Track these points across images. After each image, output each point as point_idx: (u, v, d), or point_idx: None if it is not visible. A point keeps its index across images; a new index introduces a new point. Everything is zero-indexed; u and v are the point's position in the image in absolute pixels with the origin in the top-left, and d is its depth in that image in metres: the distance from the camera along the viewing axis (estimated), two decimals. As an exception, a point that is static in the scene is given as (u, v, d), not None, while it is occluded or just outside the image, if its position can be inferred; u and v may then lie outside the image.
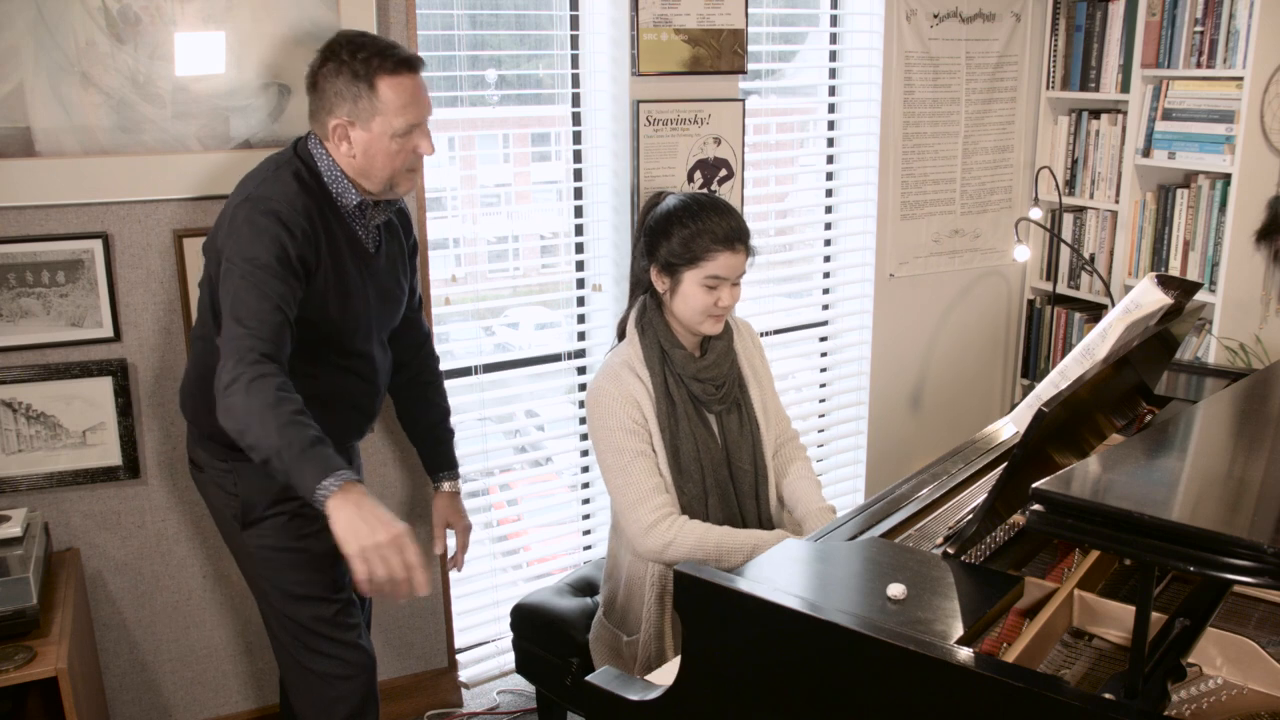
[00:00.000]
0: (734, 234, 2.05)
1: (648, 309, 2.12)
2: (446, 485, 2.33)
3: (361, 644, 2.12)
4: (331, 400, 1.98)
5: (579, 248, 2.92)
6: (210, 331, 1.94)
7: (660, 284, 2.09)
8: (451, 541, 2.37)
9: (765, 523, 2.18)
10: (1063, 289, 3.62)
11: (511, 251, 3.13)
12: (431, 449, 2.33)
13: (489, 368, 2.82)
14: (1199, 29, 3.07)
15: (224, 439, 1.95)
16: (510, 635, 2.37)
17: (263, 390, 1.68)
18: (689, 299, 2.06)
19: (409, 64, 1.89)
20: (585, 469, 3.08)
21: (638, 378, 2.07)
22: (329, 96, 1.88)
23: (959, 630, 1.34)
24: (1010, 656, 1.31)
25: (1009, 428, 2.09)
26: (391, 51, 1.88)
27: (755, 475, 2.16)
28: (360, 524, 1.62)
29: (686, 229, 2.04)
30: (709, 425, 2.13)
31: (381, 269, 2.04)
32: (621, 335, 2.18)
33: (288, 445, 1.65)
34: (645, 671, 2.01)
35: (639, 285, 2.16)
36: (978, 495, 1.80)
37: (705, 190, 2.94)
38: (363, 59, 1.85)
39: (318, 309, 1.89)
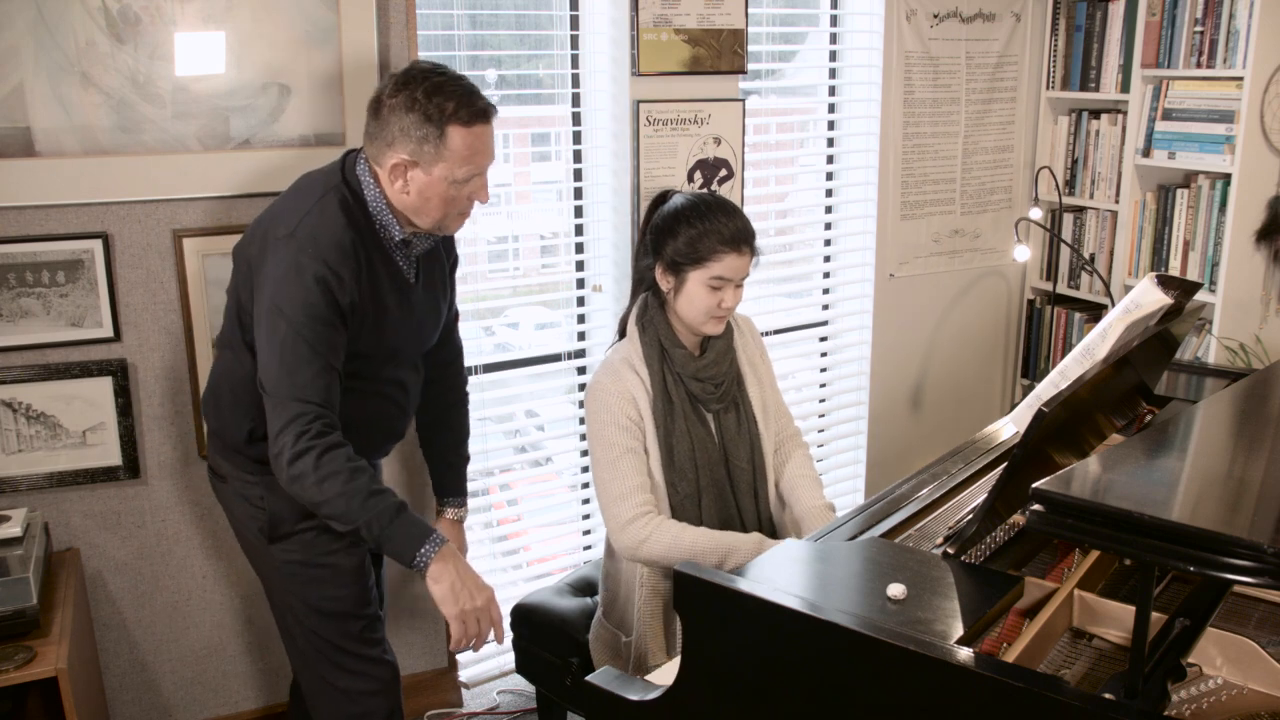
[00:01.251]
0: (740, 236, 2.05)
1: (649, 307, 2.12)
2: (450, 513, 2.29)
3: (388, 658, 2.09)
4: (361, 424, 1.94)
5: (579, 248, 2.92)
6: (237, 341, 1.92)
7: (665, 283, 2.09)
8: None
9: (764, 521, 2.18)
10: (1063, 289, 3.62)
11: (511, 251, 3.13)
12: (443, 472, 2.30)
13: (489, 368, 2.82)
14: (1199, 29, 3.07)
15: (252, 452, 1.96)
16: (510, 635, 2.36)
17: (335, 463, 1.74)
18: (693, 299, 2.06)
19: (484, 115, 1.83)
20: (585, 469, 3.08)
21: (636, 375, 2.07)
22: (393, 130, 1.81)
23: (959, 630, 1.34)
24: (1010, 656, 1.31)
25: (1009, 428, 2.09)
26: (469, 100, 1.81)
27: (753, 474, 2.16)
28: (461, 589, 1.80)
29: (693, 229, 2.04)
30: (706, 424, 2.13)
31: (420, 299, 1.99)
32: (622, 333, 2.19)
33: (376, 518, 1.74)
34: (638, 671, 2.01)
35: (642, 283, 2.16)
36: (978, 495, 1.80)
37: (708, 190, 2.94)
38: (438, 104, 1.78)
39: (353, 342, 1.85)
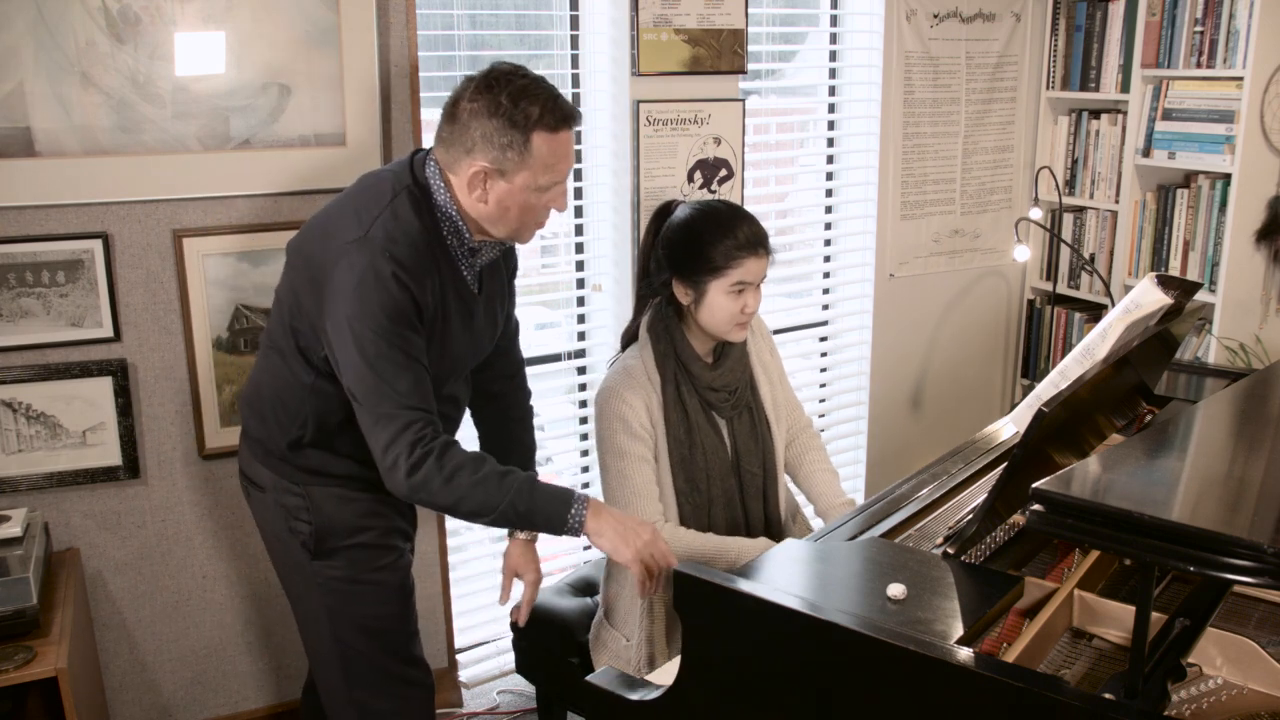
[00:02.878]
0: (757, 239, 2.03)
1: (663, 315, 2.10)
2: (523, 533, 2.11)
3: (427, 680, 2.02)
4: None
5: (579, 248, 2.92)
6: (287, 346, 1.83)
7: (684, 296, 2.06)
8: (517, 592, 2.15)
9: (772, 524, 2.18)
10: (1063, 289, 3.62)
11: (511, 251, 3.13)
12: None
13: (489, 368, 2.82)
14: (1199, 29, 3.07)
15: (298, 461, 1.87)
16: (510, 635, 2.36)
17: (456, 459, 1.70)
18: (716, 309, 2.04)
19: (570, 120, 1.75)
20: (585, 469, 3.08)
21: (650, 384, 2.06)
22: (474, 136, 1.71)
23: (959, 630, 1.34)
24: (1010, 656, 1.31)
25: (1009, 428, 2.09)
26: (554, 105, 1.72)
27: (764, 477, 2.16)
28: (627, 531, 1.76)
29: (708, 237, 2.01)
30: (719, 431, 2.12)
31: (481, 310, 1.90)
32: (626, 345, 2.17)
33: (517, 496, 1.72)
34: (638, 672, 2.01)
35: (654, 297, 2.13)
36: (978, 495, 1.80)
37: (709, 191, 2.94)
38: (524, 109, 1.69)
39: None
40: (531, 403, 2.23)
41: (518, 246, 1.99)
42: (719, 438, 2.11)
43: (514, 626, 2.34)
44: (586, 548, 3.13)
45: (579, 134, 2.85)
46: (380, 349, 1.68)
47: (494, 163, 1.72)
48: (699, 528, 2.07)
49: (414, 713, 2.00)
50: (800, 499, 2.35)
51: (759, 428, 2.16)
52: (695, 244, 2.02)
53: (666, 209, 2.14)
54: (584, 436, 3.05)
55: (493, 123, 1.70)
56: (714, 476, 2.09)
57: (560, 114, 1.73)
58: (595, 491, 3.09)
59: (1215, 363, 3.06)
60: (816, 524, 2.32)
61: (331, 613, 1.92)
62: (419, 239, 1.73)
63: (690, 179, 2.91)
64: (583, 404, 3.04)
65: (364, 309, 1.67)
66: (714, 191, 2.95)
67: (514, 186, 1.74)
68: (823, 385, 3.50)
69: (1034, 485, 1.19)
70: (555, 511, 1.74)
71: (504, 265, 1.99)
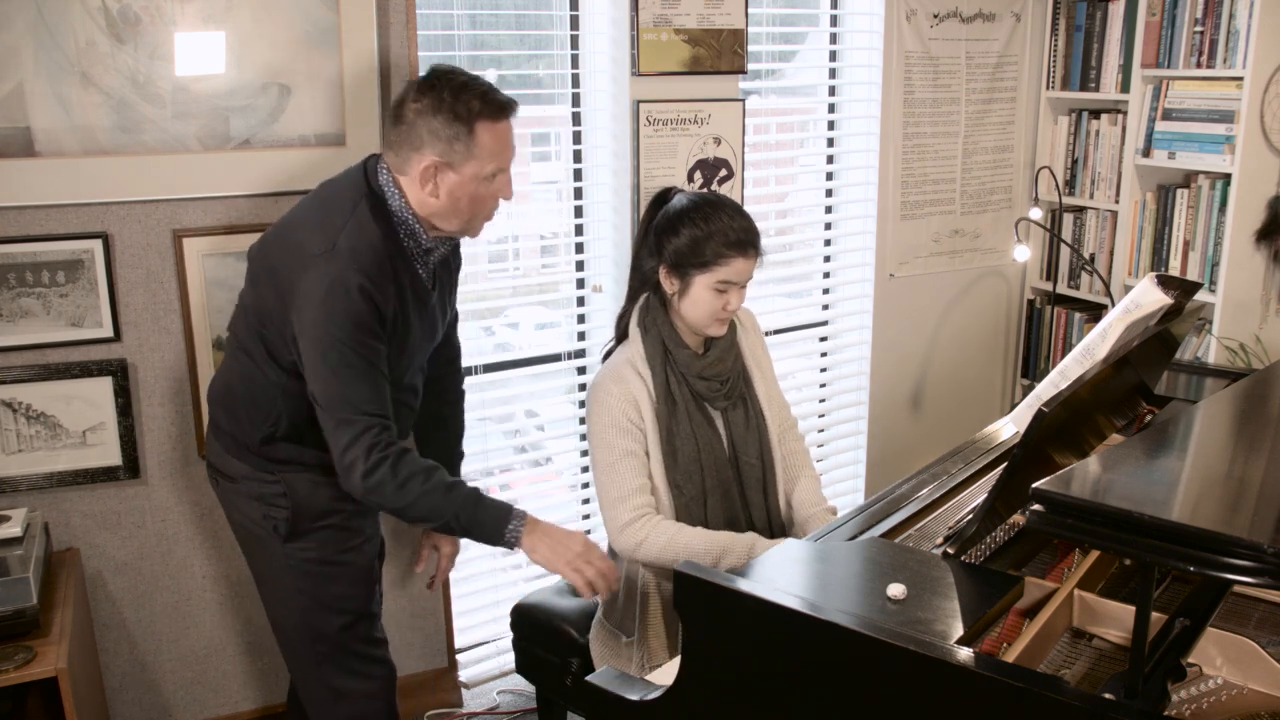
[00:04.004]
0: (747, 239, 2.04)
1: (651, 307, 2.11)
2: None
3: (388, 659, 2.12)
4: None
5: (579, 248, 2.92)
6: (256, 350, 1.91)
7: (669, 285, 2.08)
8: (433, 563, 2.38)
9: (773, 517, 2.18)
10: (1063, 289, 3.62)
11: (511, 251, 3.12)
12: None
13: (489, 368, 2.82)
14: (1199, 29, 3.07)
15: (271, 453, 1.96)
16: (510, 635, 2.36)
17: (410, 467, 1.81)
18: (698, 302, 2.05)
19: (508, 109, 1.86)
20: (585, 469, 3.08)
21: (639, 376, 2.07)
22: (420, 134, 1.81)
23: (959, 630, 1.34)
24: (1010, 656, 1.31)
25: (1009, 428, 2.09)
26: (493, 95, 1.84)
27: (763, 470, 2.16)
28: (558, 545, 1.91)
29: (699, 231, 2.02)
30: (713, 423, 2.12)
31: (434, 305, 2.01)
32: (621, 335, 2.18)
33: (462, 508, 1.85)
34: (639, 671, 2.01)
35: (645, 284, 2.15)
36: (978, 495, 1.80)
37: (711, 189, 2.93)
38: (465, 100, 1.80)
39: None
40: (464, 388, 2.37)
41: (467, 253, 2.12)
42: (713, 430, 2.11)
43: (514, 626, 2.34)
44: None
45: (578, 134, 2.85)
46: (344, 357, 1.77)
47: (442, 155, 1.82)
48: (694, 520, 2.07)
49: (381, 692, 2.10)
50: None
51: (754, 420, 2.16)
52: (684, 234, 2.04)
53: (664, 196, 2.14)
54: (583, 436, 3.05)
55: (438, 119, 1.80)
56: (708, 468, 2.09)
57: (498, 103, 1.84)
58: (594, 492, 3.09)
59: (1215, 363, 3.06)
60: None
61: (304, 595, 2.01)
62: (380, 247, 1.83)
63: (690, 179, 2.91)
64: (582, 404, 3.03)
65: (330, 319, 1.76)
66: (716, 190, 2.95)
67: (463, 178, 1.84)
68: (823, 385, 3.50)
69: (1034, 485, 1.19)
70: (495, 528, 1.88)
71: (452, 260, 2.10)
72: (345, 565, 2.02)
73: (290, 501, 1.97)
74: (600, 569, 1.93)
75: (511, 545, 1.89)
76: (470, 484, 1.91)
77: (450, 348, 2.26)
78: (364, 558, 2.05)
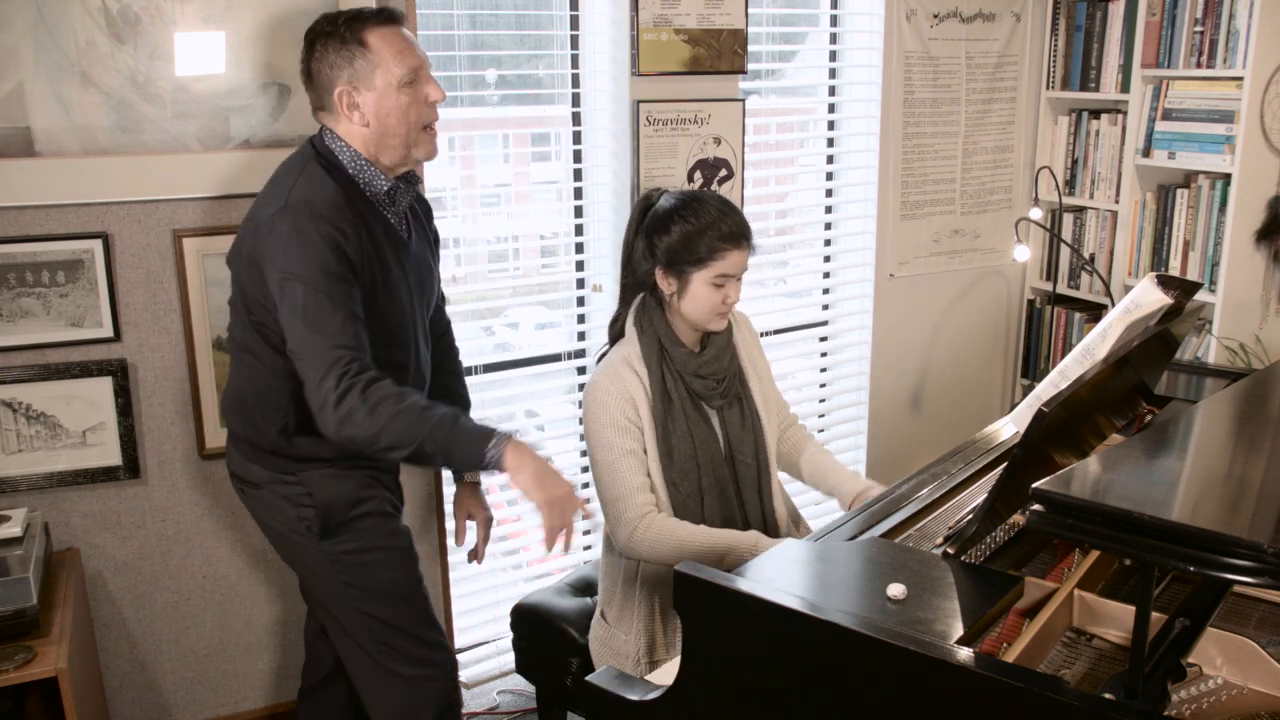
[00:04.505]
0: (740, 231, 2.05)
1: (648, 307, 2.12)
2: (469, 475, 2.28)
3: (445, 642, 2.11)
4: None
5: (579, 248, 2.92)
6: (254, 342, 1.92)
7: (667, 285, 2.08)
8: (472, 534, 2.31)
9: (768, 516, 2.18)
10: (1063, 289, 3.62)
11: (511, 251, 3.12)
12: None
13: (489, 368, 2.82)
14: (1199, 29, 3.07)
15: (289, 450, 1.95)
16: (510, 635, 2.37)
17: (380, 391, 1.74)
18: (697, 299, 2.05)
19: (390, 16, 1.89)
20: (585, 469, 3.08)
21: (635, 374, 2.07)
22: (325, 73, 1.86)
23: (959, 630, 1.34)
24: (1010, 656, 1.31)
25: (1009, 428, 2.09)
26: (368, 9, 1.88)
27: (758, 469, 2.16)
28: (545, 476, 1.79)
29: (690, 227, 2.03)
30: (709, 422, 2.13)
31: (415, 255, 2.01)
32: (614, 337, 2.18)
33: (436, 428, 1.75)
34: (638, 671, 2.01)
35: (639, 286, 2.15)
36: (978, 495, 1.80)
37: (704, 188, 2.93)
38: (344, 22, 1.85)
39: (367, 307, 1.86)
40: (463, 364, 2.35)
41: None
42: (709, 428, 2.12)
43: (514, 626, 2.34)
44: (586, 548, 3.13)
45: (578, 134, 2.85)
46: (311, 300, 1.76)
47: (350, 80, 1.85)
48: (690, 518, 2.07)
49: (439, 677, 2.08)
50: (801, 498, 2.36)
51: (750, 420, 2.16)
52: (677, 233, 2.04)
53: (649, 198, 2.15)
54: (583, 437, 3.04)
55: (329, 52, 1.86)
56: (704, 466, 2.09)
57: (376, 11, 1.89)
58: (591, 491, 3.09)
59: (1215, 363, 3.06)
60: (820, 519, 2.33)
61: (354, 587, 1.99)
62: (335, 195, 1.84)
63: (690, 179, 2.91)
64: (582, 404, 3.03)
65: (295, 265, 1.77)
66: (704, 187, 2.95)
67: (378, 91, 1.86)
68: (823, 385, 3.50)
69: (1034, 485, 1.19)
70: (473, 446, 1.77)
71: (419, 208, 2.09)
72: (388, 550, 2.01)
73: (315, 500, 1.95)
74: (571, 526, 1.83)
75: (494, 466, 1.77)
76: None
77: (440, 321, 2.26)
78: (402, 541, 2.05)
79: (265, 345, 1.91)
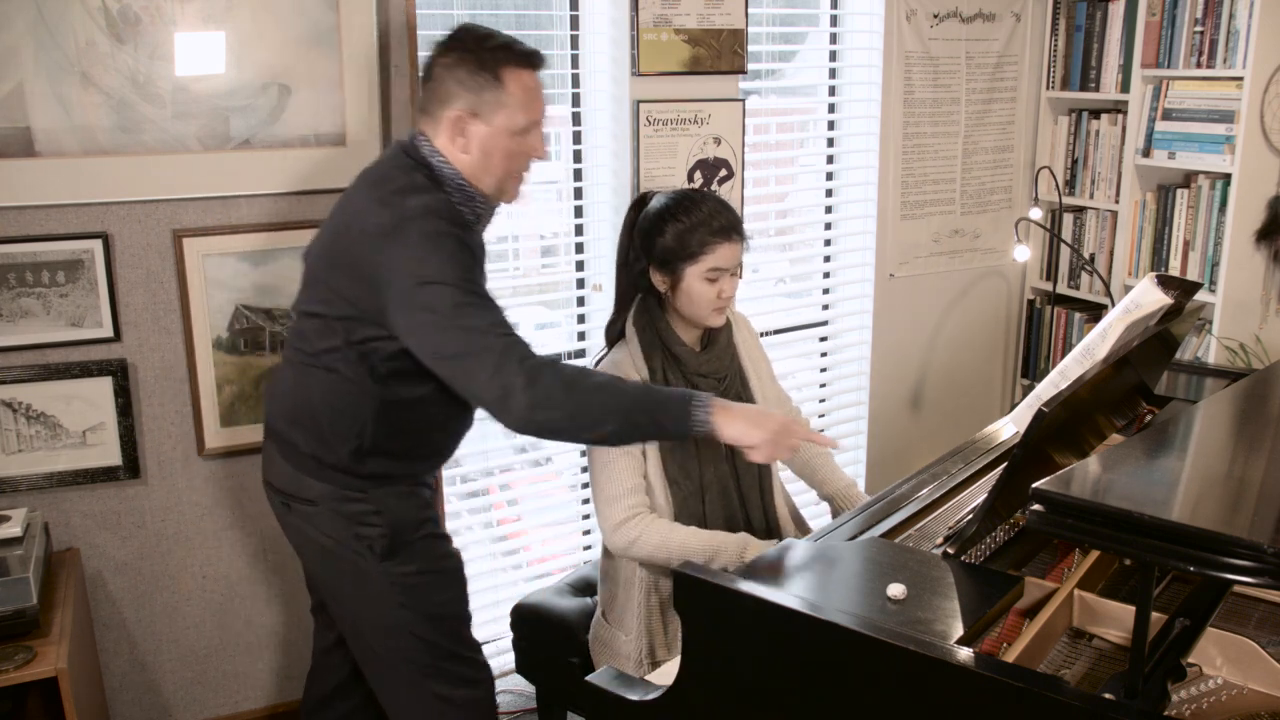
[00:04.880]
0: (729, 225, 2.06)
1: (648, 308, 2.12)
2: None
3: (484, 659, 2.09)
4: (446, 421, 1.94)
5: (579, 248, 2.92)
6: (344, 363, 1.82)
7: (661, 284, 2.09)
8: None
9: (770, 515, 2.18)
10: (1063, 289, 3.62)
11: (511, 251, 3.12)
12: None
13: (489, 368, 2.82)
14: (1199, 29, 3.07)
15: (360, 468, 1.87)
16: (510, 635, 2.36)
17: (568, 369, 1.71)
18: (693, 294, 2.06)
19: (535, 59, 1.82)
20: (584, 469, 3.08)
21: (636, 373, 2.07)
22: (447, 86, 1.78)
23: (959, 630, 1.34)
24: (1010, 656, 1.31)
25: (1009, 428, 2.09)
26: (516, 44, 1.81)
27: (759, 468, 2.16)
28: (754, 417, 1.77)
29: (681, 224, 2.04)
30: None
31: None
32: (611, 341, 2.18)
33: (641, 397, 1.73)
34: (638, 671, 2.01)
35: (635, 288, 2.15)
36: (978, 495, 1.80)
37: (703, 188, 2.93)
38: (490, 49, 1.77)
39: None
40: None
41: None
42: None
43: (514, 626, 2.34)
44: (586, 548, 3.12)
45: (578, 133, 2.85)
46: (460, 299, 1.69)
47: (471, 106, 1.78)
48: (692, 516, 2.08)
49: (487, 697, 2.07)
50: (803, 498, 2.36)
51: None
52: (668, 231, 2.05)
53: (642, 200, 2.16)
54: (584, 436, 3.05)
55: (463, 69, 1.77)
56: (705, 463, 2.09)
57: (524, 52, 1.81)
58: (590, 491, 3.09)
59: (1215, 363, 3.06)
60: (820, 518, 2.33)
61: (405, 609, 1.93)
62: (450, 207, 1.79)
63: (690, 179, 2.91)
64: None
65: (431, 271, 1.69)
66: (714, 192, 2.95)
67: (493, 129, 1.80)
68: (823, 385, 3.50)
69: (1034, 485, 1.19)
70: (681, 410, 1.72)
71: None
72: (444, 573, 1.98)
73: (385, 520, 1.89)
74: (809, 437, 1.85)
75: (701, 430, 1.73)
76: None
77: None
78: (458, 561, 2.03)
79: (360, 363, 1.81)
